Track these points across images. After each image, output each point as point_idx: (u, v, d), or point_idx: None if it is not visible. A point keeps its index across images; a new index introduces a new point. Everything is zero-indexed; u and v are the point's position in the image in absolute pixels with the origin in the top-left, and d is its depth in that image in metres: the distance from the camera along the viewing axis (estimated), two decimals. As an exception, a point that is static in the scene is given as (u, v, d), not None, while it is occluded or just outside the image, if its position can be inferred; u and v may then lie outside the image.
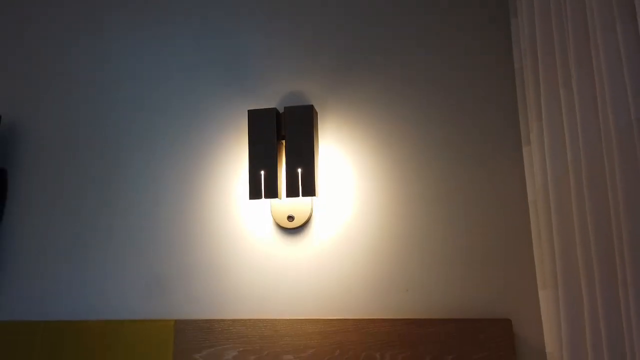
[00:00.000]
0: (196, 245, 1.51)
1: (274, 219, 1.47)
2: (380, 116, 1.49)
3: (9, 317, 1.55)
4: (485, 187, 1.39)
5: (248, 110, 1.46)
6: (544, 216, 1.17)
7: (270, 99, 1.56)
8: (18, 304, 1.55)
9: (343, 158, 1.49)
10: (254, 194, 1.41)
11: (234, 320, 1.41)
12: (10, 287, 1.57)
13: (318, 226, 1.46)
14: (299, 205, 1.46)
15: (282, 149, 1.47)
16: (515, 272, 1.33)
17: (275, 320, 1.39)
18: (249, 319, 1.40)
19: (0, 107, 1.73)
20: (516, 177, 1.38)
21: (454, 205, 1.40)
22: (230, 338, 1.40)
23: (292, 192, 1.39)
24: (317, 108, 1.52)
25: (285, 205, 1.46)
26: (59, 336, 1.47)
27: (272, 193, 1.40)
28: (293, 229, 1.47)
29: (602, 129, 0.87)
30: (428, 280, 1.37)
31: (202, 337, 1.41)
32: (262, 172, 1.41)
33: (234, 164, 1.54)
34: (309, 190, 1.38)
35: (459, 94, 1.46)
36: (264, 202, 1.50)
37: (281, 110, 1.53)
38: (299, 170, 1.39)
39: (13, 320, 1.51)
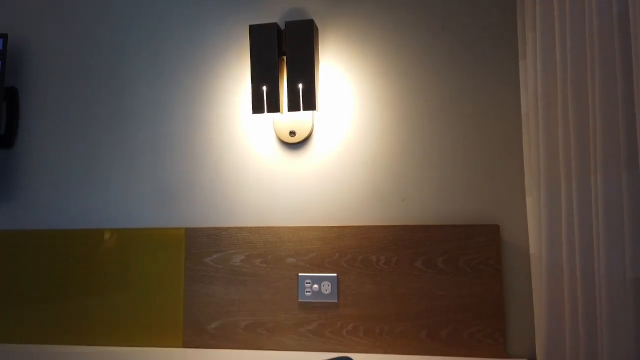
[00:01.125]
0: (203, 158, 1.58)
1: (277, 135, 1.53)
2: (380, 32, 1.50)
3: (28, 226, 1.66)
4: (482, 101, 1.43)
5: (249, 26, 1.47)
6: (534, 126, 1.22)
7: (271, 15, 1.57)
8: (37, 215, 1.65)
9: (343, 74, 1.52)
10: (257, 108, 1.46)
11: (240, 228, 1.51)
12: (29, 199, 1.67)
13: (319, 141, 1.52)
14: (300, 121, 1.51)
15: (283, 65, 1.50)
16: (505, 181, 1.40)
17: (279, 227, 1.49)
18: (254, 227, 1.50)
19: (8, 25, 1.75)
20: (512, 91, 1.41)
21: (450, 119, 1.45)
22: (237, 244, 1.51)
23: (293, 106, 1.44)
24: (317, 24, 1.54)
25: (287, 121, 1.51)
26: (77, 244, 1.59)
27: (274, 107, 1.45)
28: (295, 143, 1.54)
29: (587, 33, 0.89)
30: (423, 190, 1.45)
31: (211, 243, 1.52)
32: (264, 87, 1.45)
33: (237, 79, 1.58)
34: (310, 104, 1.43)
35: (460, 8, 1.46)
36: (266, 118, 1.55)
37: (282, 26, 1.54)
38: (300, 85, 1.43)
39: (32, 229, 1.62)
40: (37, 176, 1.67)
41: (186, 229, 1.54)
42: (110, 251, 1.57)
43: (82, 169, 1.65)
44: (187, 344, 1.49)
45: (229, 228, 1.52)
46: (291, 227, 1.48)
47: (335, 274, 1.44)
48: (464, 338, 1.34)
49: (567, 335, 1.02)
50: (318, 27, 1.53)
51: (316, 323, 1.43)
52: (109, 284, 1.56)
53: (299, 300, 1.44)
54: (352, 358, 0.82)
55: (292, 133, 1.52)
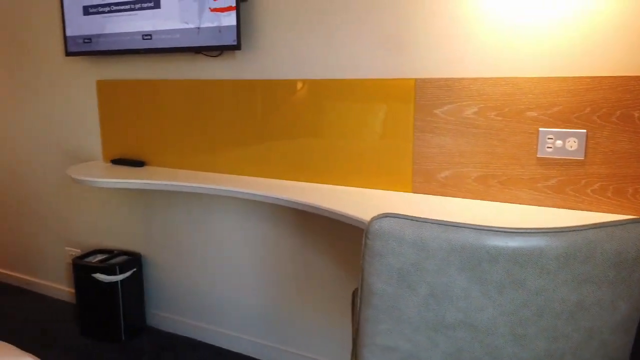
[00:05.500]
0: (436, 3, 1.48)
1: (523, -31, 1.33)
2: None
3: (261, 75, 1.81)
4: None
5: None
6: None
7: None
8: (273, 66, 1.79)
9: None
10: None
11: (474, 79, 1.44)
12: (263, 50, 1.79)
13: (577, -26, 1.29)
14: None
15: None
16: None
17: (518, 78, 1.38)
18: (490, 77, 1.42)
19: None
20: None
21: None
22: (470, 95, 1.45)
23: None
24: None
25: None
26: (312, 92, 1.70)
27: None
28: (544, -21, 1.32)
29: None
30: None
31: (442, 95, 1.49)
32: None
33: None
34: None
35: None
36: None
37: None
38: None
39: (273, 79, 1.77)
40: (274, 31, 1.76)
41: (416, 79, 1.53)
42: (342, 100, 1.66)
43: (312, 17, 1.68)
44: (416, 190, 1.58)
45: (462, 79, 1.46)
46: (533, 78, 1.36)
47: (584, 130, 1.32)
48: None
49: None
50: None
51: (556, 180, 1.37)
52: (342, 130, 1.68)
53: (538, 155, 1.38)
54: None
55: (543, -34, 1.30)
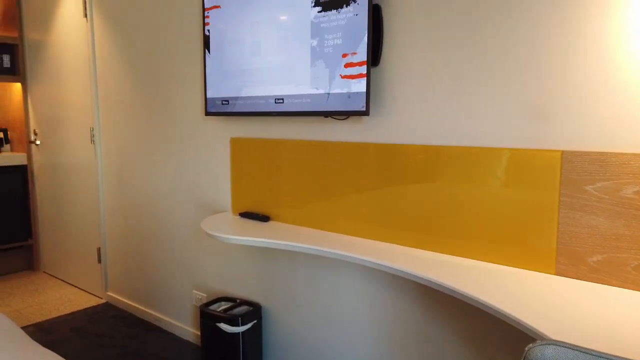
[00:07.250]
0: (591, 66, 1.34)
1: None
2: None
3: (396, 141, 1.78)
4: None
5: None
6: None
7: None
8: (401, 130, 1.75)
9: None
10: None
11: (636, 155, 1.27)
12: (394, 117, 1.77)
13: None
14: None
15: None
16: None
17: (696, 156, 1.19)
18: (657, 154, 1.24)
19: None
20: None
21: None
22: (631, 173, 1.28)
23: None
24: None
25: None
26: (441, 160, 1.63)
27: None
28: None
29: None
30: None
31: (595, 170, 1.34)
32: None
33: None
34: None
35: None
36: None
37: None
38: None
39: (399, 144, 1.74)
40: (403, 94, 1.73)
41: (563, 151, 1.39)
42: (474, 171, 1.56)
43: (448, 85, 1.63)
44: (560, 272, 1.42)
45: (620, 154, 1.29)
46: None
47: None
48: None
49: None
50: None
51: None
52: (474, 200, 1.58)
53: None
54: None
55: None
